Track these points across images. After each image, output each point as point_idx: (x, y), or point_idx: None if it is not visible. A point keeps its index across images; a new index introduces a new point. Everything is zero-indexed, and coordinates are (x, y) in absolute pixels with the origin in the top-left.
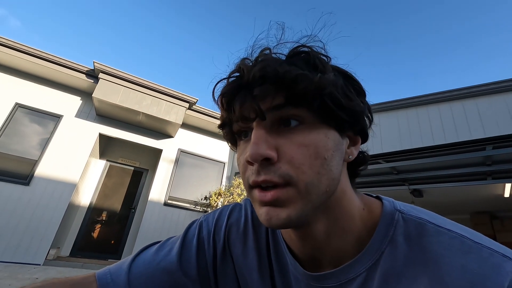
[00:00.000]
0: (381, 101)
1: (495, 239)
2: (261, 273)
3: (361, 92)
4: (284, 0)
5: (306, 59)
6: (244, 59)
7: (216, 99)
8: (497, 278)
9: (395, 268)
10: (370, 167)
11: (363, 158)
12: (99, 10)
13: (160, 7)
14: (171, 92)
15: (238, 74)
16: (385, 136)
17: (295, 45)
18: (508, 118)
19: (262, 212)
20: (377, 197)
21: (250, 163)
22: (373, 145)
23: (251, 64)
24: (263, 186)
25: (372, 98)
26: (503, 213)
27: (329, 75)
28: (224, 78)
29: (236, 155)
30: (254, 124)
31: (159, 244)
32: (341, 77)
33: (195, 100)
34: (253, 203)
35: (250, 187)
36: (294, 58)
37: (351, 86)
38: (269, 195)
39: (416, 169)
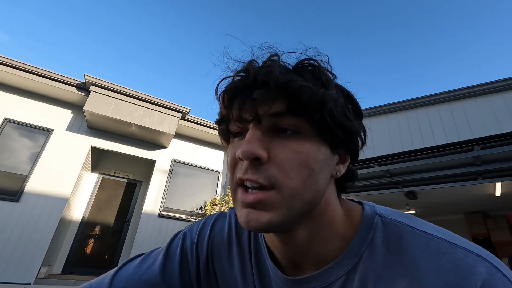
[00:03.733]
0: (372, 106)
1: (489, 238)
2: (245, 280)
3: (359, 114)
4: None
5: (313, 72)
6: (252, 61)
7: (219, 94)
8: (471, 278)
9: (373, 271)
10: (363, 171)
11: (351, 175)
12: (89, 23)
13: (149, 18)
14: (163, 102)
15: (243, 74)
16: (376, 140)
17: (303, 57)
18: (493, 119)
19: (242, 214)
20: (359, 202)
21: (240, 159)
22: (365, 149)
23: (257, 67)
24: (248, 186)
25: (365, 103)
26: (495, 212)
27: (332, 91)
28: (230, 76)
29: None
30: (251, 125)
31: (142, 256)
32: (342, 96)
33: (188, 110)
34: (235, 205)
35: (236, 186)
36: (301, 69)
37: (351, 106)
38: (251, 196)
39: (409, 171)
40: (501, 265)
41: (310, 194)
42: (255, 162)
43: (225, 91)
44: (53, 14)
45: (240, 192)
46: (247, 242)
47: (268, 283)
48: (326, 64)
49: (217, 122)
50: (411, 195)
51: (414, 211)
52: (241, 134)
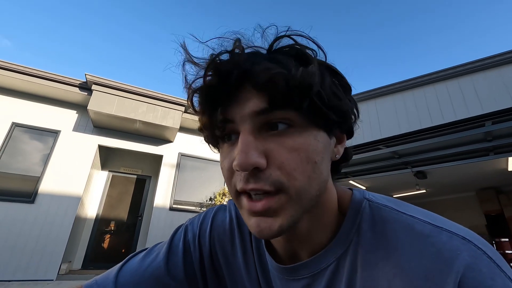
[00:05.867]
0: (377, 86)
1: (502, 213)
2: (248, 270)
3: (347, 88)
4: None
5: (290, 54)
6: (216, 54)
7: (192, 99)
8: (454, 263)
9: (361, 256)
10: (371, 153)
11: (346, 155)
12: (87, 22)
13: (144, 12)
14: (166, 97)
15: (211, 72)
16: (383, 121)
17: (277, 36)
18: (504, 92)
19: (252, 224)
20: (350, 189)
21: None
22: (372, 131)
23: (227, 60)
24: (251, 194)
25: (369, 84)
26: (508, 187)
27: (316, 72)
28: (198, 78)
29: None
30: (240, 127)
31: (146, 250)
32: (328, 73)
33: None
34: (241, 211)
35: (237, 194)
36: (276, 53)
37: (338, 82)
38: (259, 205)
39: (417, 151)
40: (488, 247)
41: (317, 188)
42: (255, 170)
43: (200, 95)
44: (51, 15)
45: (245, 200)
46: (248, 234)
47: (268, 273)
48: (304, 41)
49: (200, 130)
50: (421, 175)
51: (424, 191)
52: (229, 136)
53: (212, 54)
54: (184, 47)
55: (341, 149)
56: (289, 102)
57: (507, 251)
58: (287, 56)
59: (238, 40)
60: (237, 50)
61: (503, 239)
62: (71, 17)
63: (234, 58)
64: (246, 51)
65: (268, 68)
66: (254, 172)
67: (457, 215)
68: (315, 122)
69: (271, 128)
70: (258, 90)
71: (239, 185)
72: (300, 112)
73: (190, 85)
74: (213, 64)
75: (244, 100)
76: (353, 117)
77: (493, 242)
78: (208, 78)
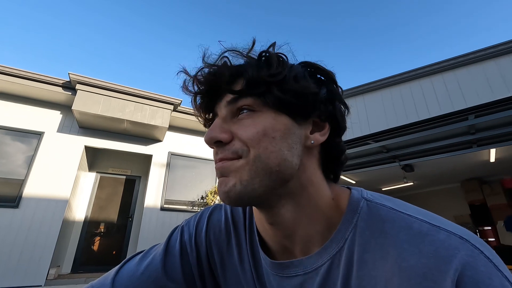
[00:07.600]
0: (365, 82)
1: (485, 203)
2: (243, 268)
3: (323, 79)
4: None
5: (261, 58)
6: (195, 74)
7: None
8: (452, 261)
9: (358, 254)
10: (360, 148)
11: (336, 150)
12: (68, 20)
13: (126, 11)
14: (154, 96)
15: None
16: (371, 116)
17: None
18: (486, 87)
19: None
20: (348, 188)
21: (210, 146)
22: (361, 126)
23: (210, 72)
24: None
25: (360, 80)
26: (491, 178)
27: (254, 65)
28: (197, 93)
29: None
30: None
31: (142, 253)
32: (300, 66)
33: (179, 101)
34: None
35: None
36: (251, 61)
37: (308, 73)
38: (219, 164)
39: (405, 145)
40: (485, 247)
41: (275, 161)
42: (221, 144)
43: (200, 98)
44: (30, 13)
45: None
46: (243, 230)
47: (261, 270)
48: (285, 51)
49: (204, 125)
50: (408, 168)
51: (411, 183)
52: None
53: (203, 66)
54: (185, 72)
55: (320, 137)
56: (245, 92)
57: (489, 239)
58: (259, 61)
59: (224, 57)
60: (223, 61)
61: (486, 228)
62: (50, 7)
63: (213, 71)
64: (240, 60)
65: (221, 72)
66: (220, 146)
67: (443, 205)
68: (273, 107)
69: (237, 114)
70: (221, 89)
71: (214, 159)
72: (259, 99)
73: (190, 91)
74: (203, 76)
75: (218, 97)
76: (341, 106)
77: (477, 230)
78: (201, 87)
